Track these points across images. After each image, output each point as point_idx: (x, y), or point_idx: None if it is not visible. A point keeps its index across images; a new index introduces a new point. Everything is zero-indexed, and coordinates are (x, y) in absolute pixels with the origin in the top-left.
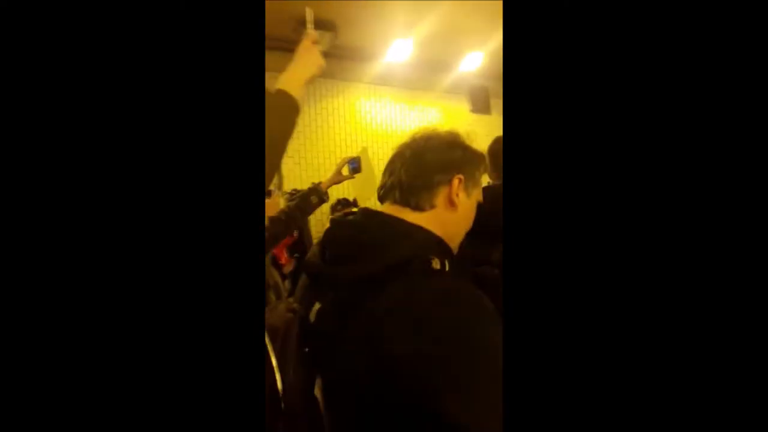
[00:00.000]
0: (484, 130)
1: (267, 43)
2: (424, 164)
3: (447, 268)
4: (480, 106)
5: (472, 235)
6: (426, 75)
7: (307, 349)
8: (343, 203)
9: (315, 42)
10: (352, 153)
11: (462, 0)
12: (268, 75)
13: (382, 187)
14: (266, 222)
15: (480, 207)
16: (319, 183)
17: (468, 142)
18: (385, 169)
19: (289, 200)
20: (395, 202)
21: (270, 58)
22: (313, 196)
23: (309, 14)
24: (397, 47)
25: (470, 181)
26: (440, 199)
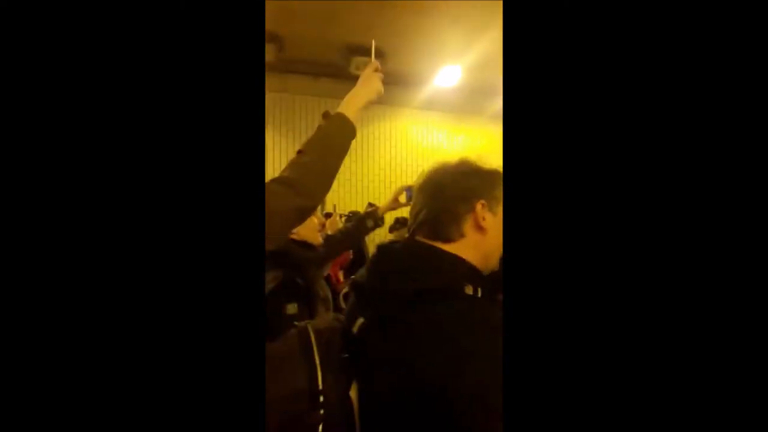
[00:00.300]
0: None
1: (317, 69)
2: (444, 198)
3: (479, 294)
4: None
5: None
6: (474, 100)
7: (346, 356)
8: (402, 222)
9: (377, 70)
10: (398, 176)
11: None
12: (318, 100)
13: (410, 225)
14: (322, 240)
15: None
16: (376, 208)
17: (481, 164)
18: (411, 209)
19: (346, 221)
20: (425, 236)
21: (319, 84)
22: (369, 219)
23: (372, 44)
24: (446, 73)
25: (492, 201)
26: (467, 227)
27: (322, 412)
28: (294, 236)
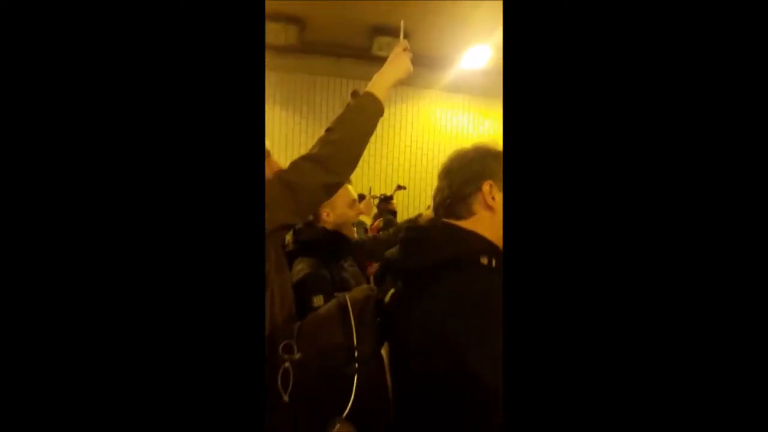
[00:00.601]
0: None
1: (340, 51)
2: (453, 181)
3: (494, 264)
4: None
5: None
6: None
7: (378, 320)
8: (388, 224)
9: (406, 49)
10: (418, 159)
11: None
12: (342, 80)
13: (434, 208)
14: (369, 238)
15: None
16: (418, 216)
17: (492, 146)
18: (433, 194)
19: (385, 225)
20: (444, 216)
21: (343, 64)
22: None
23: (401, 25)
24: (474, 53)
25: (500, 180)
26: (477, 206)
27: (356, 365)
28: (328, 226)
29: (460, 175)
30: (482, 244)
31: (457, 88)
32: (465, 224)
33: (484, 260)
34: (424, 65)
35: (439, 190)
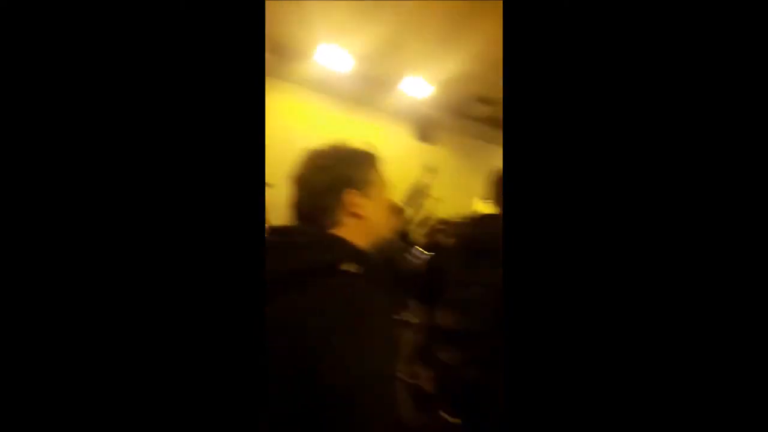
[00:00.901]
0: (421, 159)
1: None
2: (310, 191)
3: (360, 272)
4: (426, 134)
5: (462, 258)
6: (368, 91)
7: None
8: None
9: None
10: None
11: (406, 22)
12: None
13: (296, 215)
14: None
15: (471, 236)
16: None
17: (351, 147)
18: (292, 203)
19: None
20: (308, 222)
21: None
22: None
23: None
24: (336, 56)
25: (366, 187)
26: (341, 216)
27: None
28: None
29: (317, 184)
30: (347, 250)
31: (318, 87)
32: (330, 230)
33: (349, 267)
34: (282, 55)
35: (297, 198)
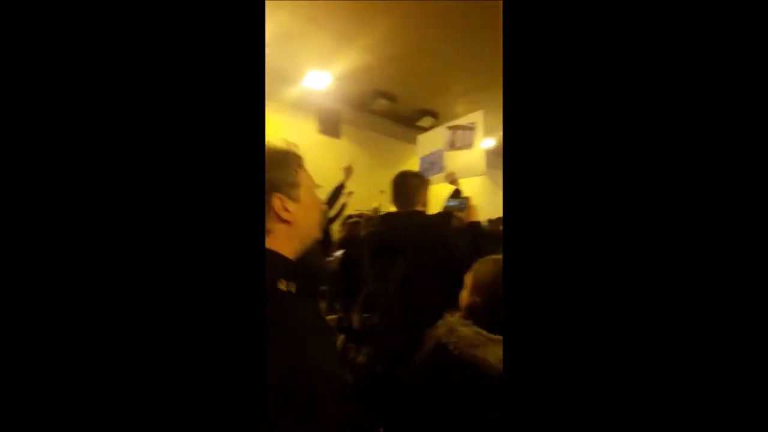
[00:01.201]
0: (332, 153)
1: None
2: None
3: (293, 290)
4: (329, 128)
5: (373, 255)
6: (269, 84)
7: None
8: None
9: None
10: None
11: (309, 20)
12: None
13: None
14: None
15: (375, 234)
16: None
17: (271, 156)
18: None
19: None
20: None
21: None
22: None
23: None
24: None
25: (290, 188)
26: (271, 222)
27: None
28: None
29: None
30: (280, 265)
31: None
32: (267, 242)
33: (282, 285)
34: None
35: None
